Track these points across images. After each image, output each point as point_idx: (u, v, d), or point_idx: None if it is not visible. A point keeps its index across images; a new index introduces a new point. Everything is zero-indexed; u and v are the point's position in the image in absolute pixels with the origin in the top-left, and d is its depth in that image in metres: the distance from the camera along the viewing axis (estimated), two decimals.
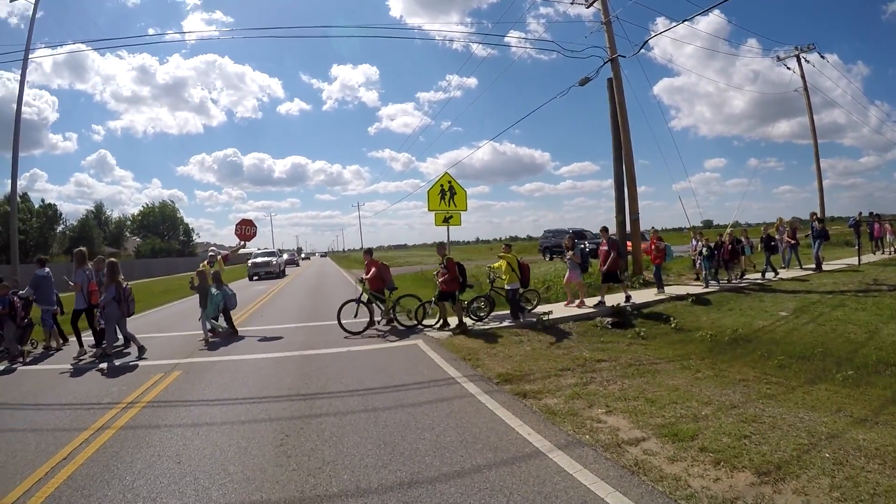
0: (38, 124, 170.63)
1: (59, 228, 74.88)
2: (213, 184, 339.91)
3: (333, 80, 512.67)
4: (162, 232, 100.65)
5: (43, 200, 68.27)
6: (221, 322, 14.88)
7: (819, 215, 21.86)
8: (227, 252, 17.30)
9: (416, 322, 14.50)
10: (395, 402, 7.95)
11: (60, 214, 74.60)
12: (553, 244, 39.85)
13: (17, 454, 6.93)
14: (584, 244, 38.52)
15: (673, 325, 12.87)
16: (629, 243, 21.48)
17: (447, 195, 17.19)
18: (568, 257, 16.39)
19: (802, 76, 33.91)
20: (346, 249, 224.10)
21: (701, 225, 30.55)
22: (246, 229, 19.88)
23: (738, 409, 6.45)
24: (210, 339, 14.07)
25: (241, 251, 22.45)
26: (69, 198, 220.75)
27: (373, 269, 14.83)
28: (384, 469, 5.56)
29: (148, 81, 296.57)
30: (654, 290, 18.03)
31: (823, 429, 5.79)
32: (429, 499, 4.81)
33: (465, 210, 17.51)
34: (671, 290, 17.59)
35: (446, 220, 17.17)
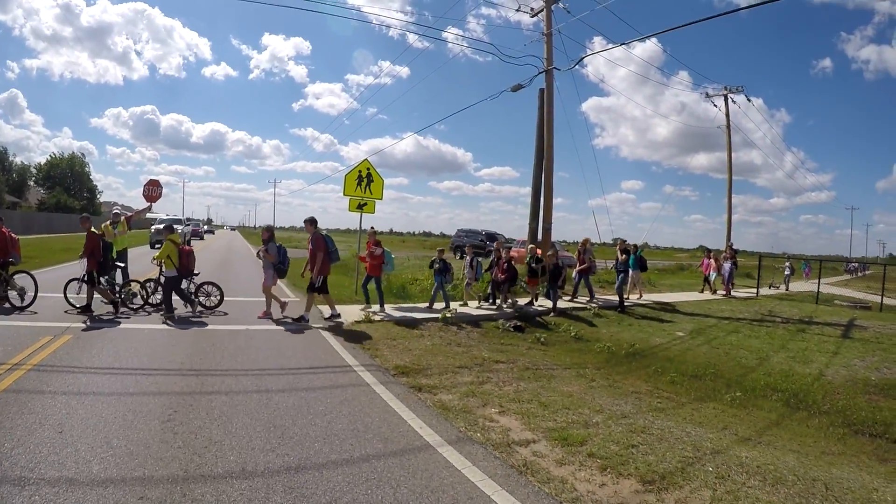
0: None
1: None
2: (126, 141, 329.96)
3: (264, 49, 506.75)
4: (68, 186, 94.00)
5: None
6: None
7: (632, 244, 20.76)
8: (131, 214, 16.62)
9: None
10: (289, 386, 7.82)
11: None
12: (465, 243, 40.56)
13: None
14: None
15: (573, 335, 13.00)
16: (539, 251, 21.48)
17: (364, 182, 17.05)
18: (260, 255, 13.86)
19: (727, 115, 34.78)
20: (256, 226, 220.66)
21: (611, 242, 30.51)
22: (152, 190, 19.26)
23: (628, 420, 6.58)
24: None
25: (148, 215, 21.74)
26: None
27: None
28: (272, 453, 5.45)
29: (71, 22, 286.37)
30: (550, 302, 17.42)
31: (709, 444, 5.95)
32: (315, 485, 4.73)
33: (381, 199, 17.37)
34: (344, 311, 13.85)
35: (360, 207, 17.05)
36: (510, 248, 24.58)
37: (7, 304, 13.01)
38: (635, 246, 20.81)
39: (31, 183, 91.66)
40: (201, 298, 14.03)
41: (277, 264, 13.47)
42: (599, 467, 5.12)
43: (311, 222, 13.60)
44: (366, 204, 17.11)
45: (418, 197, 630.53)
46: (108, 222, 15.16)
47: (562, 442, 5.71)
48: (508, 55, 25.61)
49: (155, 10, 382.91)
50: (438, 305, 15.29)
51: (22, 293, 13.17)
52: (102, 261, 12.98)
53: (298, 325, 12.58)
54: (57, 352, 9.40)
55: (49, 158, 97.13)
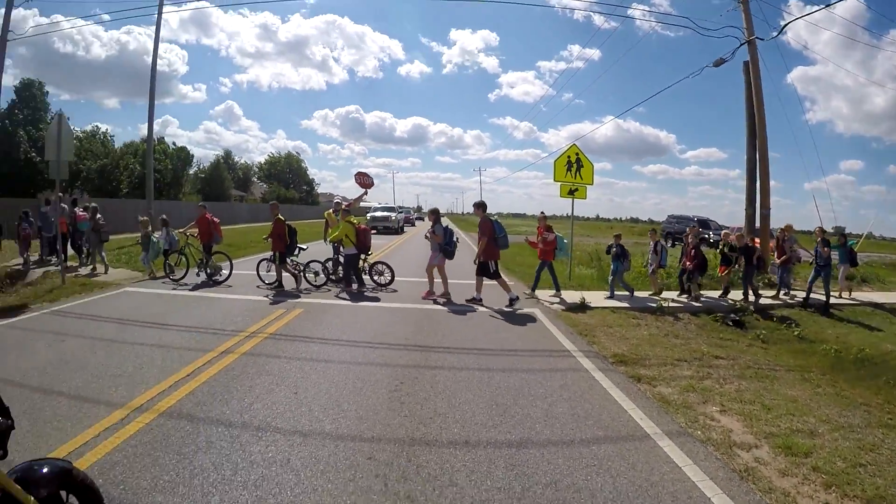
0: (169, 75, 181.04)
1: (192, 170, 79.92)
2: (335, 138, 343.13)
3: (453, 45, 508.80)
4: (287, 180, 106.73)
5: (174, 143, 72.68)
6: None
7: (839, 233, 18.95)
8: (350, 202, 17.98)
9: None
10: (510, 366, 8.10)
11: (192, 157, 78.80)
12: (676, 230, 39.30)
13: (143, 367, 7.60)
14: (709, 234, 37.31)
15: (796, 334, 12.43)
16: (757, 240, 20.05)
17: (573, 167, 16.98)
18: (427, 236, 14.46)
19: None
20: (464, 213, 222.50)
21: (832, 231, 27.48)
22: (364, 178, 20.77)
23: (856, 434, 6.21)
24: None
25: (361, 204, 23.23)
26: (199, 143, 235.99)
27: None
28: (494, 429, 5.72)
29: (270, 38, 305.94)
30: (772, 291, 16.68)
31: None
32: (535, 465, 4.90)
33: (591, 184, 17.37)
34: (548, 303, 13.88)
35: (571, 193, 17.02)
36: (725, 232, 23.00)
37: (209, 280, 15.38)
38: (843, 236, 18.71)
39: (255, 179, 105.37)
40: (374, 277, 15.56)
41: (444, 246, 13.92)
42: (824, 483, 4.88)
43: (480, 206, 14.14)
44: (577, 189, 17.04)
45: (623, 182, 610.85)
46: (331, 210, 17.08)
47: (785, 450, 5.50)
48: (706, 28, 24.57)
49: (345, 20, 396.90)
50: (620, 294, 14.99)
51: (218, 271, 15.49)
52: (290, 243, 14.81)
53: (514, 307, 12.91)
54: (290, 323, 10.44)
55: (268, 157, 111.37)
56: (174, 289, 14.32)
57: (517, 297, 13.32)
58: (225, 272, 15.47)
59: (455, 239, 14.49)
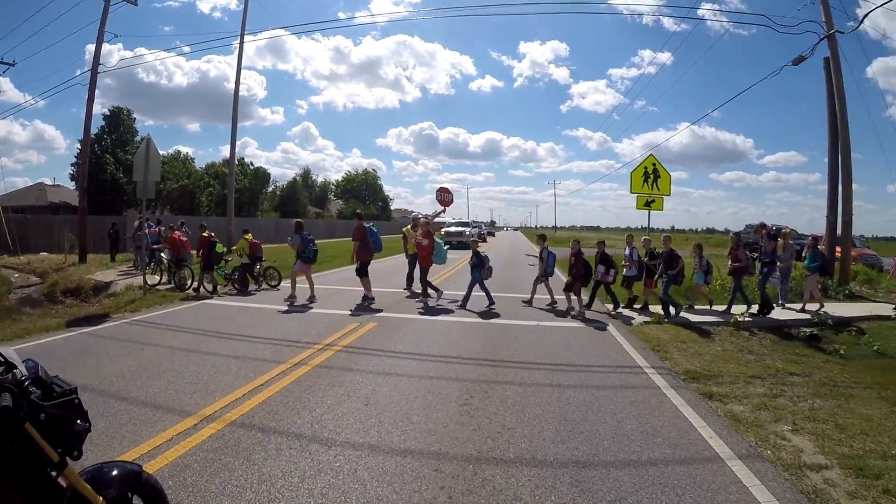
0: (248, 100, 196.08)
1: (270, 189, 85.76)
2: (409, 155, 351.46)
3: (522, 58, 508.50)
4: (363, 197, 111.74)
5: (252, 164, 79.00)
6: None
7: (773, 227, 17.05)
8: (428, 218, 18.97)
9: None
10: (580, 382, 8.11)
11: (269, 176, 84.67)
12: (753, 240, 37.88)
13: (219, 375, 8.00)
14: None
15: (875, 349, 11.95)
16: (838, 249, 19.26)
17: (650, 178, 16.97)
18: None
19: None
20: (538, 226, 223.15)
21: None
22: (444, 195, 21.34)
23: None
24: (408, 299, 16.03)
25: (437, 219, 24.01)
26: (276, 163, 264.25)
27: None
28: (562, 445, 5.77)
29: (343, 61, 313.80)
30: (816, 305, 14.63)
31: None
32: (601, 482, 4.92)
33: (669, 195, 17.30)
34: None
35: (648, 204, 17.02)
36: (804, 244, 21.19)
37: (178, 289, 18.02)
38: (814, 238, 16.92)
39: (332, 196, 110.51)
40: (268, 281, 18.84)
41: (300, 252, 16.00)
42: None
43: (358, 216, 17.10)
44: (654, 201, 17.02)
45: (699, 191, 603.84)
46: (409, 226, 18.38)
47: (856, 472, 5.34)
48: (783, 24, 23.33)
49: (415, 39, 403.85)
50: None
51: (184, 280, 18.25)
52: (210, 256, 17.38)
53: (367, 304, 14.58)
54: (364, 336, 10.77)
55: (345, 175, 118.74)
56: (258, 302, 15.33)
57: (373, 299, 15.24)
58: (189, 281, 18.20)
59: (314, 248, 16.36)
